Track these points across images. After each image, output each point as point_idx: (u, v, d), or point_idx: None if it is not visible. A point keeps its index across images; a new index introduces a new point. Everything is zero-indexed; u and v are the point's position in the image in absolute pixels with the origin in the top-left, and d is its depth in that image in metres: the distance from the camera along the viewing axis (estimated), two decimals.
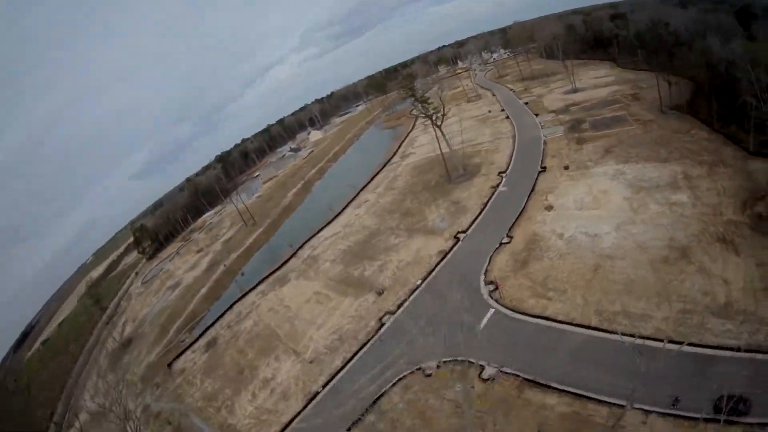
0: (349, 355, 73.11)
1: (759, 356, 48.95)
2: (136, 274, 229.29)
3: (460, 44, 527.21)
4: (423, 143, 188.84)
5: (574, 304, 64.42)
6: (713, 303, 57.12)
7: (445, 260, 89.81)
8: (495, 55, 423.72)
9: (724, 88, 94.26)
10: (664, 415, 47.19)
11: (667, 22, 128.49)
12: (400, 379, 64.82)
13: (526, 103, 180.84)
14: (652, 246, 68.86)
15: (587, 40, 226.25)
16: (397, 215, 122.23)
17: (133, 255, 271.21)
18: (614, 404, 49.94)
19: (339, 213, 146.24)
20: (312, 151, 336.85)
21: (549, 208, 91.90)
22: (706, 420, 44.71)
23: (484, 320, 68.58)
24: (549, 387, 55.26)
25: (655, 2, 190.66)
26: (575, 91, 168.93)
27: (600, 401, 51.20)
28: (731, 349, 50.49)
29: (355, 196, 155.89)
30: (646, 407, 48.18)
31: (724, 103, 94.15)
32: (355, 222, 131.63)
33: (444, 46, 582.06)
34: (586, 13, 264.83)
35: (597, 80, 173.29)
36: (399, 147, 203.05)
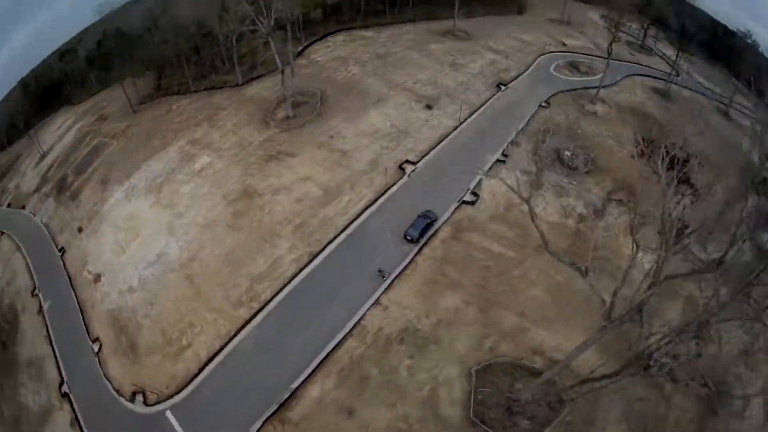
0: None
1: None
2: None
3: None
4: None
5: (212, 322, 55.88)
6: (315, 199, 60.73)
7: None
8: None
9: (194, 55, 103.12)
10: (388, 288, 52.40)
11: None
12: None
13: None
14: (217, 217, 65.92)
15: (41, 96, 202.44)
16: None
17: None
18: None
19: None
20: None
21: (97, 278, 75.97)
22: (418, 252, 55.87)
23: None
24: (296, 391, 47.36)
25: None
26: (43, 157, 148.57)
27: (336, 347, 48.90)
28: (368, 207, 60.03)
29: None
30: (373, 300, 51.59)
31: (198, 63, 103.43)
32: None
33: None
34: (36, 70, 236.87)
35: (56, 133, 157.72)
36: None
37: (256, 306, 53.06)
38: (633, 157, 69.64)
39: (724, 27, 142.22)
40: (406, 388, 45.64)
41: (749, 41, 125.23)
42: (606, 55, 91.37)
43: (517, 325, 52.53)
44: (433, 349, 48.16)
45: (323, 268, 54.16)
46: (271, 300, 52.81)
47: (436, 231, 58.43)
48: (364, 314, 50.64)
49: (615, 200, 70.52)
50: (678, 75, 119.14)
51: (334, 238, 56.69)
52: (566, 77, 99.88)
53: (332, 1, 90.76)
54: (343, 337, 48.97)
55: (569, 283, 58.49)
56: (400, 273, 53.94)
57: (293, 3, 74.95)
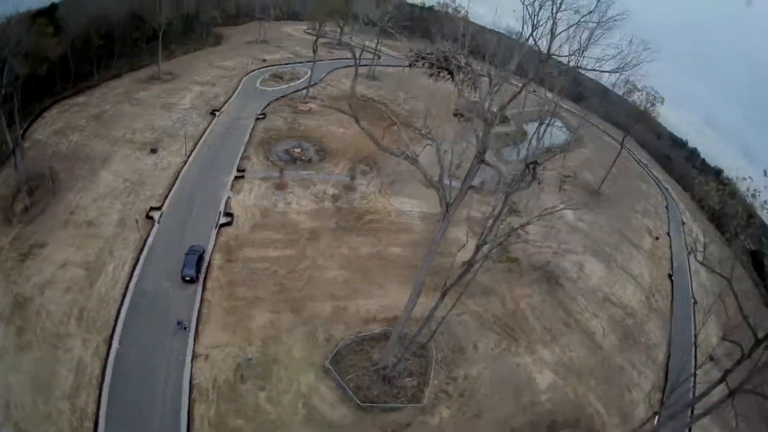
0: None
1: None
2: None
3: None
4: None
5: None
6: (81, 281, 57.80)
7: None
8: None
9: None
10: (197, 336, 51.25)
11: None
12: None
13: None
14: (3, 343, 54.20)
15: None
16: None
17: None
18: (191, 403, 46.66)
19: None
20: None
21: None
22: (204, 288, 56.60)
23: None
24: None
25: None
26: None
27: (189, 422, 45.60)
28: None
29: None
30: (190, 356, 49.50)
31: None
32: None
33: None
34: None
35: None
36: None
37: (90, 424, 46.70)
38: (409, 66, 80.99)
39: (421, 6, 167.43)
40: (282, 418, 45.18)
41: (450, 10, 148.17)
42: (307, 60, 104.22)
43: (334, 308, 57.10)
44: (278, 369, 48.60)
45: (125, 348, 49.92)
46: (98, 409, 47.02)
47: (210, 261, 60.42)
48: (192, 373, 48.16)
49: (361, 171, 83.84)
50: (380, 58, 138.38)
51: (119, 312, 53.57)
52: (273, 88, 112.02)
53: (55, 54, 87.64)
54: (189, 408, 45.87)
55: (355, 251, 67.94)
56: (199, 315, 53.74)
57: (21, 62, 71.78)
